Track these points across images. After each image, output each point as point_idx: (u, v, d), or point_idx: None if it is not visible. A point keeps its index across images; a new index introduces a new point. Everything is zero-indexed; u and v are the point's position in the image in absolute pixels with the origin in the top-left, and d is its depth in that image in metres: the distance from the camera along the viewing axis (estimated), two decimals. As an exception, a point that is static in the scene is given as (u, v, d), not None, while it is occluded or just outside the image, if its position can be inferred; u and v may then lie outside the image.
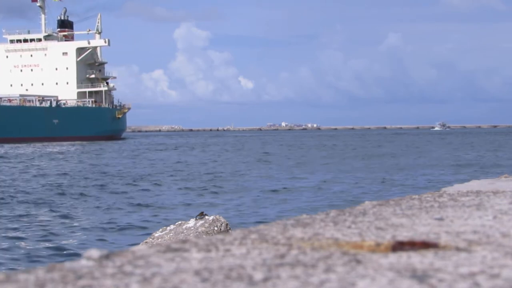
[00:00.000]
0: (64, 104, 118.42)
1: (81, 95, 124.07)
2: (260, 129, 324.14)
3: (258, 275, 1.71)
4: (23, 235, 18.35)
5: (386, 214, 3.12)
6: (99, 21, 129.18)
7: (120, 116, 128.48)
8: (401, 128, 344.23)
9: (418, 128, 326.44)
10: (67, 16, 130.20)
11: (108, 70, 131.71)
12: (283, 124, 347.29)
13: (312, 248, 2.13)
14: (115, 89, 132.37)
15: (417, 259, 1.95)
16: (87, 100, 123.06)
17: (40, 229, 19.45)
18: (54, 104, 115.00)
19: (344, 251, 2.08)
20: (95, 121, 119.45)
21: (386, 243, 2.20)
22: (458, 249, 2.15)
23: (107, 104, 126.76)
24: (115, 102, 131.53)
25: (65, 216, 22.10)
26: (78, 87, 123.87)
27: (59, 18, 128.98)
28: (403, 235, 2.44)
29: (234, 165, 48.46)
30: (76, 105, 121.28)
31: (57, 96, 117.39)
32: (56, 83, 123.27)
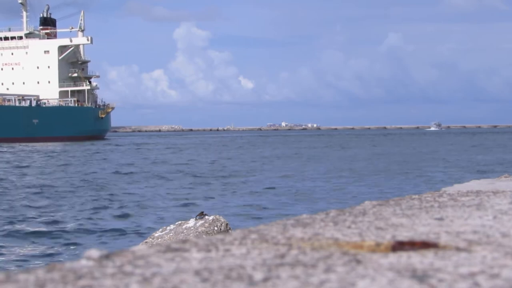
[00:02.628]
0: (45, 103, 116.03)
1: (63, 94, 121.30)
2: (260, 129, 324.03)
3: (258, 275, 1.71)
4: (21, 236, 18.34)
5: (386, 214, 3.12)
6: (82, 18, 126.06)
7: (103, 116, 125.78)
8: (401, 128, 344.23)
9: (418, 128, 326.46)
10: (50, 14, 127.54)
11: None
12: (283, 124, 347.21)
13: (312, 248, 2.13)
14: (98, 88, 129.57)
15: (417, 259, 1.95)
16: (69, 99, 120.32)
17: (39, 229, 19.45)
18: (34, 104, 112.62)
19: (344, 251, 2.08)
20: (77, 121, 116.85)
21: (386, 243, 2.20)
22: (458, 249, 2.15)
23: (90, 104, 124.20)
24: (99, 102, 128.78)
25: (62, 216, 22.09)
26: (60, 86, 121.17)
27: (41, 15, 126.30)
28: (403, 235, 2.44)
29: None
30: (57, 105, 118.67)
31: (38, 96, 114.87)
32: (38, 82, 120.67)
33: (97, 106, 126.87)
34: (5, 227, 19.61)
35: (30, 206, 24.59)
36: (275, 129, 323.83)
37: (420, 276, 1.71)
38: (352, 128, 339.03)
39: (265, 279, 1.67)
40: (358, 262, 1.90)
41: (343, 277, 1.71)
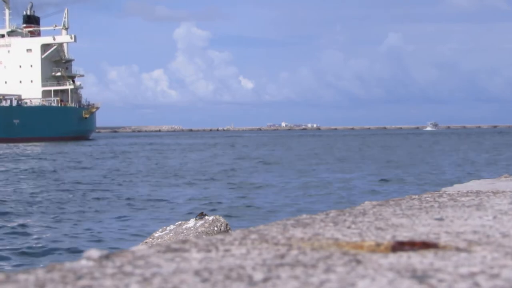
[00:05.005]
0: (26, 103, 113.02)
1: (46, 93, 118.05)
2: (260, 129, 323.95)
3: (258, 275, 1.71)
4: (21, 237, 18.35)
5: (386, 214, 3.12)
6: (66, 16, 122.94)
7: (87, 116, 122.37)
8: (401, 128, 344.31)
9: (417, 128, 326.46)
10: (33, 11, 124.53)
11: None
12: (283, 124, 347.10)
13: (312, 248, 2.13)
14: (82, 87, 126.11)
15: (417, 259, 1.95)
16: (52, 99, 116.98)
17: (38, 230, 19.45)
18: (14, 103, 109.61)
19: (344, 251, 2.08)
20: (59, 121, 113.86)
21: (386, 243, 2.20)
22: (458, 249, 2.15)
23: (73, 103, 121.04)
24: (83, 101, 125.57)
25: (62, 217, 22.09)
26: (43, 85, 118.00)
27: (24, 13, 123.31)
28: (403, 235, 2.44)
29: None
30: (40, 104, 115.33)
31: (20, 95, 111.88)
32: (20, 81, 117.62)
33: (81, 106, 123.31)
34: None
35: (23, 208, 24.62)
36: (275, 129, 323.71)
37: (420, 276, 1.71)
38: (352, 128, 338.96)
39: (265, 279, 1.67)
40: (358, 262, 1.90)
41: (343, 277, 1.71)
